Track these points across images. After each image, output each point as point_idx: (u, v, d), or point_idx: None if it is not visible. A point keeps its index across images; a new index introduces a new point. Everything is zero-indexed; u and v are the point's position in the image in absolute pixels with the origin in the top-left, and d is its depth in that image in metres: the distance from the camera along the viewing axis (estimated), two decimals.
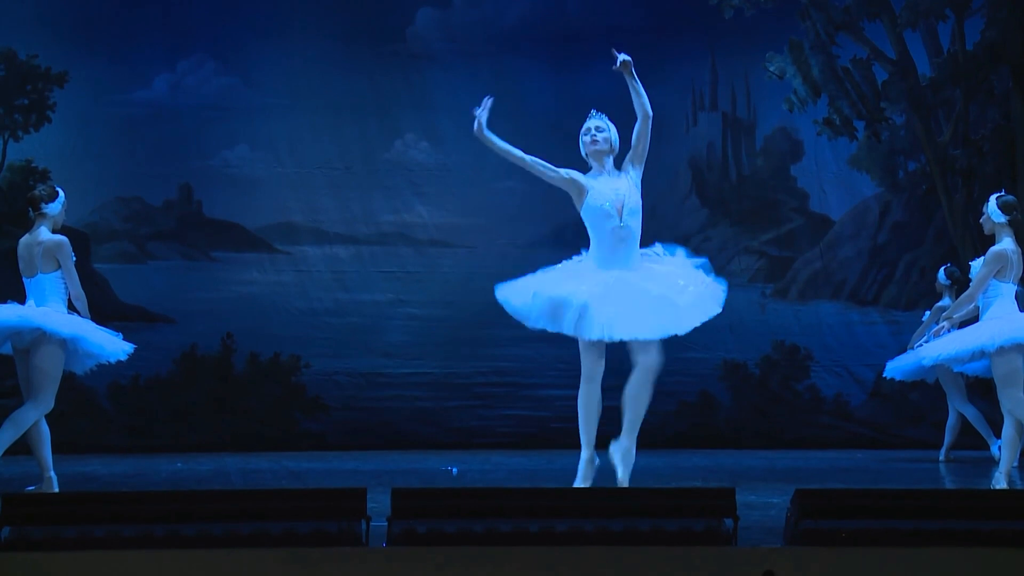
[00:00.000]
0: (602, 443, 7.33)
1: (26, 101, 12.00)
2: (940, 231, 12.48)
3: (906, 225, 12.67)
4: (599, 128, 7.49)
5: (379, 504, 5.57)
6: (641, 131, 7.38)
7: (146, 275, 12.16)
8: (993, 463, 8.53)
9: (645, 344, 7.12)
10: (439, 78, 12.49)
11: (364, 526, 5.36)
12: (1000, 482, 7.47)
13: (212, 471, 9.83)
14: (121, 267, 12.10)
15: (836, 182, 12.68)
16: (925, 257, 12.41)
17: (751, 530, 5.47)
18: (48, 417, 7.80)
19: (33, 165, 11.93)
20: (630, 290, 7.14)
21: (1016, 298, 7.60)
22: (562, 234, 12.64)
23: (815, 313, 12.54)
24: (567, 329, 7.14)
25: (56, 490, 7.76)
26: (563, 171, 7.44)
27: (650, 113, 7.40)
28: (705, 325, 12.35)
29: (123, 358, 8.08)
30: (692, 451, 11.65)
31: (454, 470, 9.61)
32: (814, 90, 12.48)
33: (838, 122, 12.47)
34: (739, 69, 12.67)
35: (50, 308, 7.81)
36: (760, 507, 6.50)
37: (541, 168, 7.41)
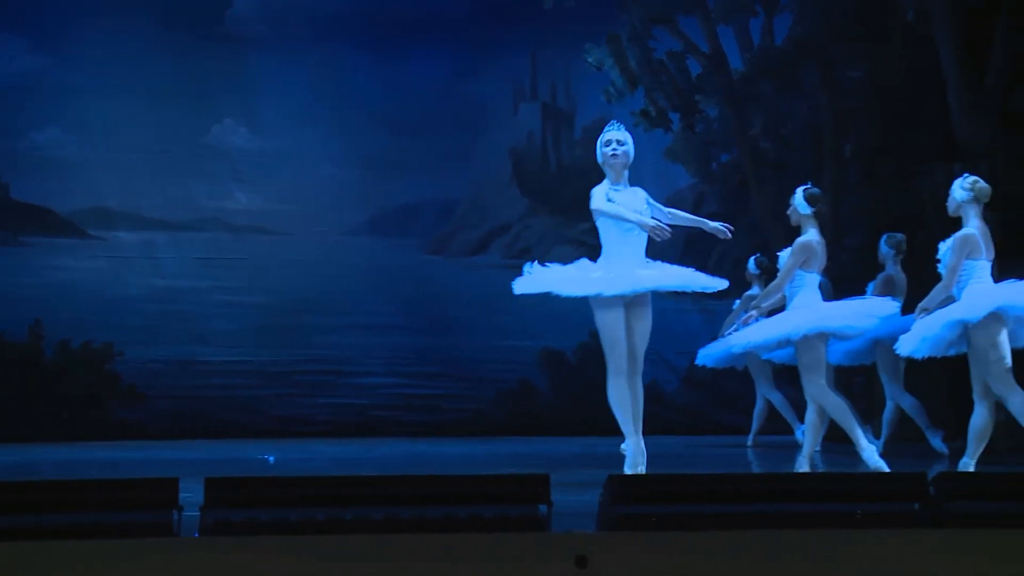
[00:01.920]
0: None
1: None
2: (752, 222, 12.79)
3: (719, 215, 12.88)
4: (620, 141, 7.54)
5: (193, 494, 5.47)
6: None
7: None
8: (798, 447, 8.79)
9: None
10: (259, 62, 12.33)
11: (176, 516, 5.26)
12: (803, 466, 7.69)
13: (20, 462, 9.52)
14: None
15: (653, 173, 12.86)
16: (737, 247, 12.68)
17: (565, 516, 5.52)
18: None
19: None
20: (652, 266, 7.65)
21: (820, 288, 7.84)
22: (381, 223, 12.64)
23: None
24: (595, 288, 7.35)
25: None
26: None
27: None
28: (524, 313, 12.57)
29: None
30: (511, 438, 11.74)
31: (271, 459, 9.49)
32: (631, 82, 12.67)
33: (654, 114, 12.68)
34: (559, 60, 12.80)
35: None
36: (574, 492, 6.58)
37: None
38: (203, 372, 12.05)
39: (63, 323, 11.74)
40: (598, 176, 12.83)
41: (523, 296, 12.88)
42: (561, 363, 12.53)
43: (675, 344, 12.50)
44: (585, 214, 12.81)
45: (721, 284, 7.69)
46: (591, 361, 12.57)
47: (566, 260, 12.64)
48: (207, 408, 11.92)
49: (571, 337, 12.52)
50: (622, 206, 7.50)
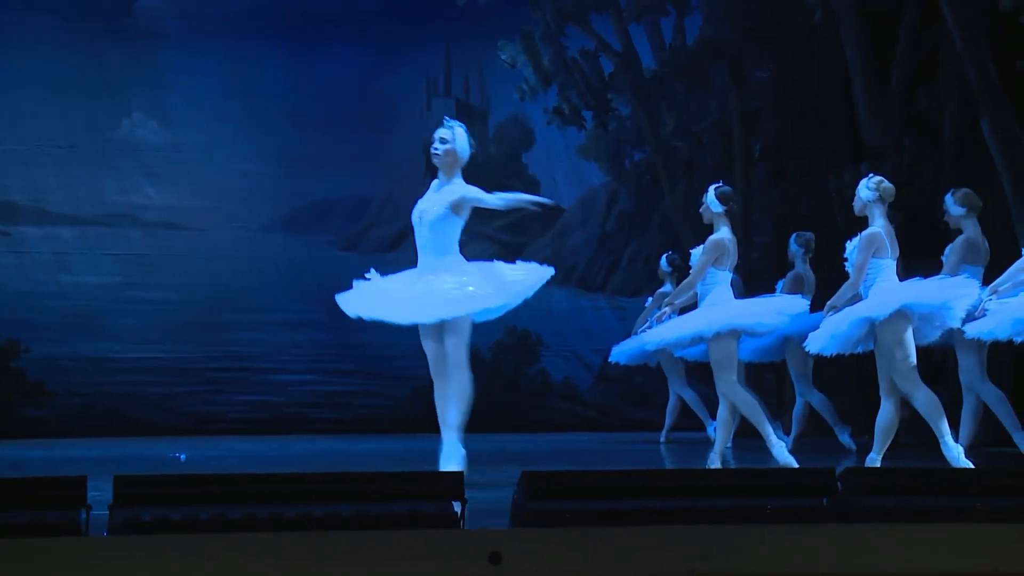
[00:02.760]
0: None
1: None
2: (663, 220, 12.88)
3: (632, 214, 13.04)
4: (443, 139, 7.46)
5: (102, 492, 5.37)
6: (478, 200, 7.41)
7: None
8: (709, 444, 8.86)
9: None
10: (170, 56, 12.17)
11: (84, 515, 5.16)
12: (715, 462, 7.75)
13: None
14: None
15: (566, 170, 12.95)
16: (649, 245, 12.80)
17: (479, 513, 5.51)
18: None
19: None
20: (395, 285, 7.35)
21: (732, 285, 7.90)
22: (295, 219, 12.53)
23: (546, 299, 12.67)
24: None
25: None
26: None
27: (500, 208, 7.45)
28: None
29: None
30: (425, 435, 11.68)
31: (182, 456, 9.37)
32: (544, 79, 12.70)
33: (567, 111, 12.72)
34: (472, 56, 12.79)
35: None
36: (488, 488, 6.56)
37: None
38: (113, 369, 11.88)
39: None
40: (511, 173, 12.90)
41: None
42: (477, 360, 12.47)
43: (590, 342, 12.56)
44: (497, 212, 12.92)
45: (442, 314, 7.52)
46: (506, 358, 12.59)
47: (481, 256, 12.76)
48: (117, 405, 11.75)
49: (486, 334, 12.51)
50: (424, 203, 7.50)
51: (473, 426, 11.96)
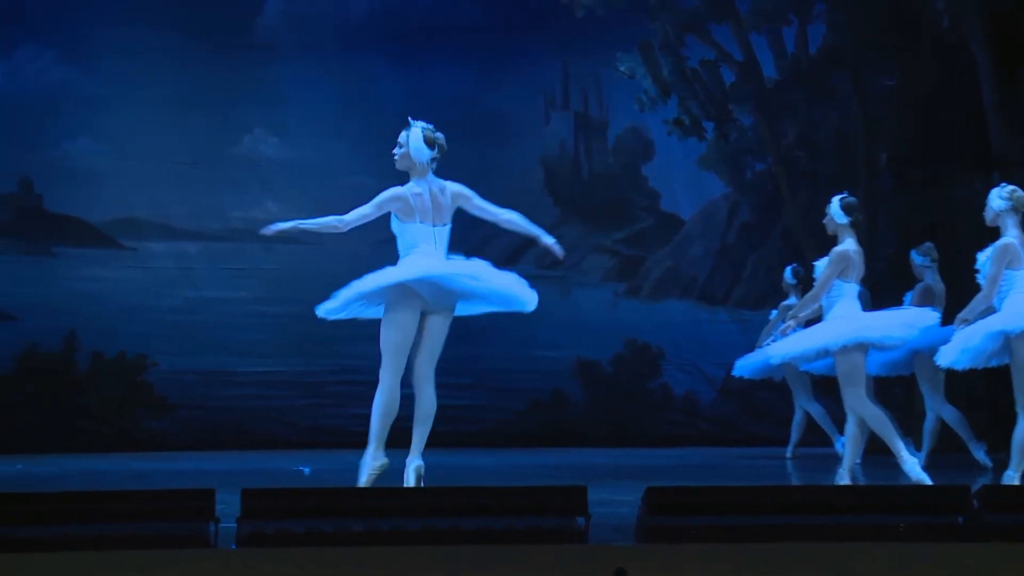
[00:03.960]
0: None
1: None
2: (785, 231, 12.75)
3: (753, 225, 12.93)
4: (398, 143, 7.55)
5: (228, 505, 5.47)
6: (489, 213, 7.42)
7: None
8: (837, 459, 8.72)
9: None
10: (288, 72, 12.35)
11: (212, 528, 5.26)
12: (843, 478, 7.64)
13: (51, 472, 9.55)
14: None
15: (686, 182, 12.87)
16: (771, 257, 12.66)
17: (602, 528, 5.50)
18: None
19: None
20: None
21: (859, 297, 7.79)
22: None
23: (666, 311, 12.72)
24: None
25: None
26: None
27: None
28: (557, 323, 12.56)
29: None
30: (543, 449, 11.71)
31: (306, 470, 9.49)
32: (664, 90, 12.66)
33: (687, 122, 12.66)
34: (590, 68, 12.78)
35: None
36: (611, 504, 6.55)
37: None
38: (234, 383, 12.07)
39: (96, 334, 11.79)
40: (629, 185, 12.87)
41: (556, 307, 12.91)
42: (596, 373, 12.50)
43: (711, 355, 12.47)
44: (618, 222, 12.91)
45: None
46: (627, 372, 12.55)
47: (600, 269, 12.77)
48: (238, 419, 11.94)
49: (606, 347, 12.50)
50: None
51: (594, 440, 12.01)
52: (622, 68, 12.67)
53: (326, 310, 7.37)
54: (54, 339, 11.73)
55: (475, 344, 12.44)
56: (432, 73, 12.53)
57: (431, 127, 7.46)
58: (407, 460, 7.28)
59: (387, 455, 7.30)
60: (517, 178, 12.64)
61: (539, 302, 13.25)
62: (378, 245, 12.50)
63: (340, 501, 5.58)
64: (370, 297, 7.39)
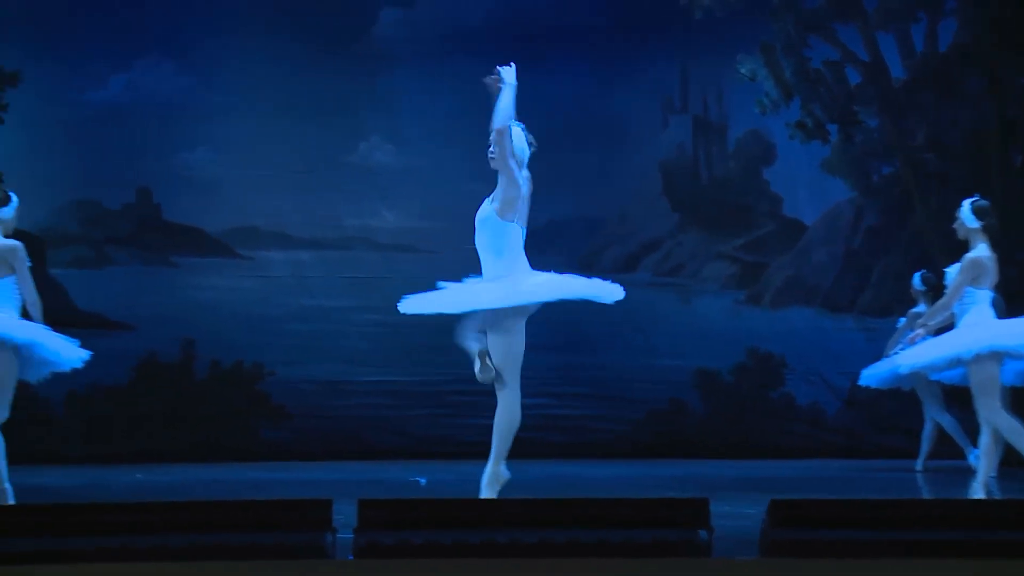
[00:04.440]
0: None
1: None
2: (914, 236, 12.52)
3: (880, 230, 12.72)
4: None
5: (345, 515, 5.52)
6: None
7: (104, 280, 12.06)
8: (970, 472, 8.55)
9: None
10: (403, 79, 12.45)
11: (330, 538, 5.31)
12: (978, 492, 7.49)
13: (172, 482, 9.75)
14: (78, 272, 12.01)
15: (809, 186, 12.71)
16: (899, 263, 12.45)
17: (725, 541, 5.45)
18: (2, 427, 7.71)
19: None
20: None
21: (993, 305, 7.62)
22: (527, 240, 12.62)
23: (788, 319, 12.57)
24: None
25: (11, 502, 7.67)
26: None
27: (494, 127, 7.39)
28: (676, 331, 12.47)
29: (79, 366, 8.00)
30: (662, 460, 11.65)
31: (423, 481, 9.55)
32: (786, 92, 12.52)
33: (810, 125, 12.51)
34: (710, 71, 12.69)
35: (2, 314, 7.71)
36: (734, 517, 6.49)
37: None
38: (350, 392, 12.19)
39: (214, 343, 11.99)
40: (750, 190, 12.74)
41: (675, 315, 12.83)
42: (716, 383, 12.39)
43: (837, 364, 12.29)
44: (739, 228, 12.79)
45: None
46: (748, 381, 12.42)
47: (720, 277, 12.66)
48: (354, 428, 12.05)
49: (727, 356, 12.38)
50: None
51: (715, 451, 11.91)
52: (743, 70, 12.56)
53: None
54: (172, 348, 11.96)
55: (593, 353, 12.44)
56: (548, 77, 12.52)
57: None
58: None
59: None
60: (634, 183, 12.61)
61: (658, 310, 13.23)
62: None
63: (457, 512, 5.59)
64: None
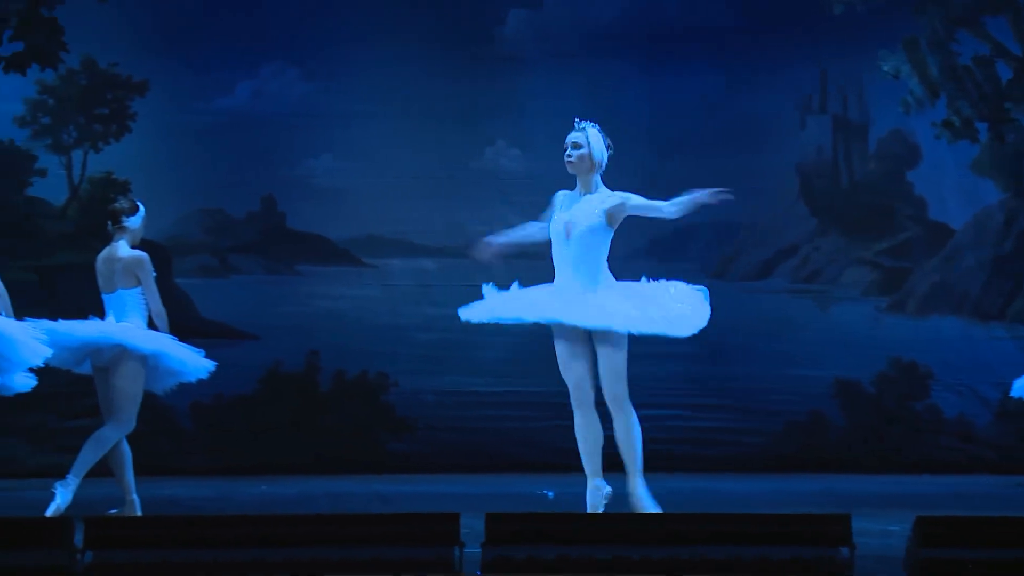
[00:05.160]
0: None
1: (106, 111, 12.20)
2: None
3: None
4: (575, 144, 7.52)
5: (472, 529, 5.57)
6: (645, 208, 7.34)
7: (228, 290, 12.29)
8: None
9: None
10: (530, 82, 12.48)
11: (457, 552, 5.36)
12: None
13: (296, 494, 9.90)
14: (202, 282, 12.24)
15: (956, 188, 12.47)
16: None
17: (868, 560, 5.39)
18: (128, 438, 7.90)
19: (113, 177, 12.11)
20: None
21: None
22: (658, 246, 12.61)
23: (934, 328, 12.34)
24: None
25: (139, 513, 7.85)
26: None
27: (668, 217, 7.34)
28: (814, 340, 12.32)
29: (204, 376, 8.17)
30: (800, 475, 11.53)
31: (550, 494, 9.58)
32: (932, 90, 12.31)
33: (958, 124, 12.28)
34: (850, 68, 12.50)
35: (129, 325, 7.91)
36: (877, 535, 6.41)
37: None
38: (474, 403, 12.25)
39: (338, 353, 12.12)
40: (893, 193, 12.54)
41: (812, 323, 12.67)
42: (857, 394, 12.22)
43: (987, 375, 12.05)
44: (881, 233, 12.59)
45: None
46: (891, 392, 12.23)
47: (861, 283, 12.48)
48: (479, 440, 12.10)
49: (868, 366, 12.20)
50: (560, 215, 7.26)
51: (856, 465, 11.74)
52: (885, 67, 12.37)
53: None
54: (297, 359, 12.12)
55: (728, 363, 12.34)
56: (678, 78, 12.49)
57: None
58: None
59: (609, 483, 7.33)
60: (770, 186, 12.48)
61: (795, 318, 13.09)
62: (622, 260, 12.58)
63: (587, 527, 5.61)
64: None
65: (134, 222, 8.07)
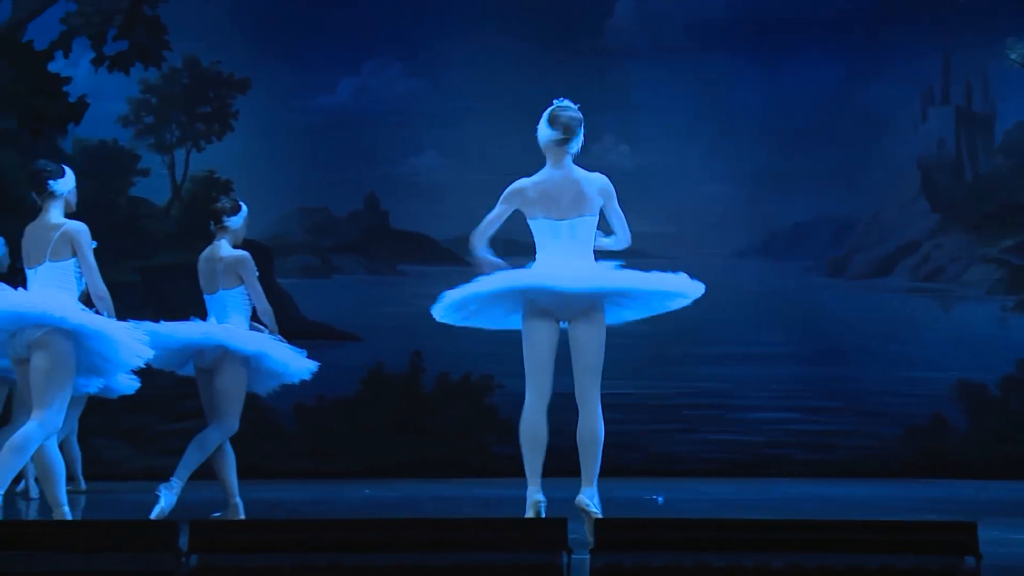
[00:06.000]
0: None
1: (208, 109, 12.39)
2: None
3: None
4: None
5: (579, 535, 5.57)
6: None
7: (331, 290, 12.41)
8: None
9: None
10: (638, 76, 12.46)
11: (565, 559, 5.36)
12: None
13: (401, 498, 9.96)
14: (304, 281, 12.37)
15: None
16: None
17: (995, 570, 5.30)
18: (231, 440, 8.00)
19: (215, 176, 12.29)
20: None
21: None
22: (771, 243, 12.52)
23: None
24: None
25: (242, 517, 7.95)
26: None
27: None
28: (937, 341, 12.15)
29: (307, 377, 8.23)
30: (922, 480, 11.40)
31: (660, 499, 9.54)
32: None
33: None
34: (974, 58, 12.33)
35: (232, 325, 7.99)
36: (1005, 544, 6.30)
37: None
38: None
39: (441, 354, 12.18)
40: (1020, 187, 12.33)
41: (934, 323, 12.51)
42: (982, 397, 12.04)
43: None
44: (1007, 229, 12.38)
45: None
46: (1017, 395, 12.02)
47: (985, 281, 12.28)
48: None
49: (993, 368, 12.02)
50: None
51: (981, 471, 11.55)
52: (1013, 56, 12.17)
53: (440, 311, 7.41)
54: (400, 360, 12.21)
55: (846, 364, 12.24)
56: (792, 71, 12.40)
57: (565, 103, 7.34)
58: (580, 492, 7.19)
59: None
60: (890, 182, 12.36)
61: (916, 317, 12.93)
62: (734, 258, 12.49)
63: (698, 533, 5.57)
64: (487, 302, 7.34)
65: (236, 222, 8.15)
